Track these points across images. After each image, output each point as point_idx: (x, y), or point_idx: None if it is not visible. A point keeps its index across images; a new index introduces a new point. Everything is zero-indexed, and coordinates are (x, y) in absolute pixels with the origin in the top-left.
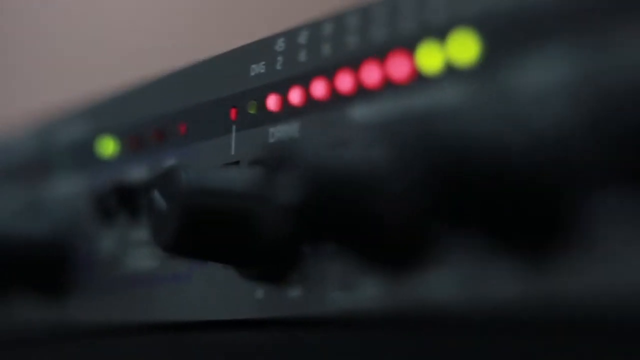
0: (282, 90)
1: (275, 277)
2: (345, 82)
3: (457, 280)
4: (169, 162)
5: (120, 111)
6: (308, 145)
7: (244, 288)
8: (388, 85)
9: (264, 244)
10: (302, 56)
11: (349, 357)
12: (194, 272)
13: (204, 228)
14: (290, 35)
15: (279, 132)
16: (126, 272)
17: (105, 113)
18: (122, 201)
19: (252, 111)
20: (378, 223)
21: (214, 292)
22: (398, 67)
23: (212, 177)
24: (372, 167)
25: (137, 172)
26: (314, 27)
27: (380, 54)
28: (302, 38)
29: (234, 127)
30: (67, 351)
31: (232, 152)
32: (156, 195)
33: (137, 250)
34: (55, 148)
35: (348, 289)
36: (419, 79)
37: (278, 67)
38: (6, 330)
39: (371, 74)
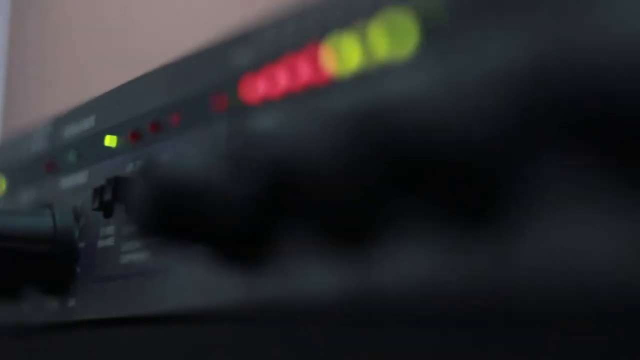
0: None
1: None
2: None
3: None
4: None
5: (120, 106)
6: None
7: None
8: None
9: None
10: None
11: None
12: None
13: None
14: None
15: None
16: (120, 265)
17: (108, 108)
18: (116, 194)
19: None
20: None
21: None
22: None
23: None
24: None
25: (134, 165)
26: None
27: None
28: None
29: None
30: (68, 343)
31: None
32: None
33: (130, 242)
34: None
35: None
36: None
37: None
38: (10, 323)
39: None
